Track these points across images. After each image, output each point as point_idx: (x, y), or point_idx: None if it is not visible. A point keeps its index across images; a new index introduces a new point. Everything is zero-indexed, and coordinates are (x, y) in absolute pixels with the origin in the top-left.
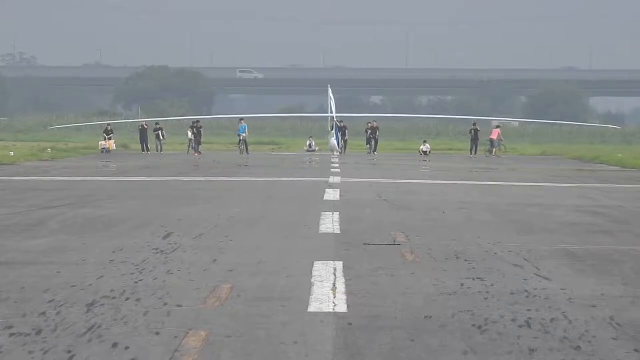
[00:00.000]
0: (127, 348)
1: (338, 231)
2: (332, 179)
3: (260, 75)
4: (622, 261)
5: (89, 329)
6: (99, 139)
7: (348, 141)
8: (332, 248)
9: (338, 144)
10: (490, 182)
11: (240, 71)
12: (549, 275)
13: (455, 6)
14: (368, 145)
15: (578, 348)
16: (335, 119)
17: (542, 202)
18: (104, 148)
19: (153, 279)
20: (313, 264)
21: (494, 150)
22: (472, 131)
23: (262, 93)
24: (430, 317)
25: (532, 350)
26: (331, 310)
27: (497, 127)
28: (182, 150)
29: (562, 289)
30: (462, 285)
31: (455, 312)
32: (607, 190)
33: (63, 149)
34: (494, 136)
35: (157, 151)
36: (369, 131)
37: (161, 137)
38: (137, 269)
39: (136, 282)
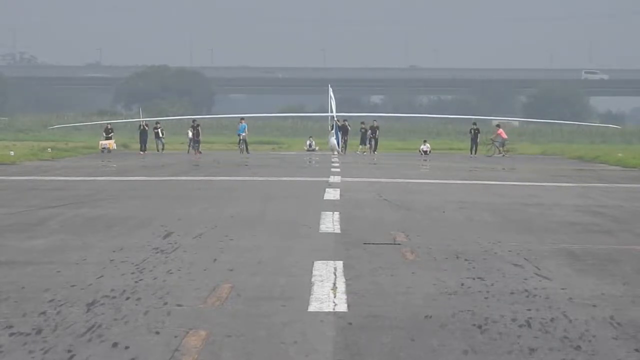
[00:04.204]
0: (127, 348)
1: (338, 230)
2: (332, 179)
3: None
4: (622, 261)
5: (89, 329)
6: (99, 138)
7: (348, 141)
8: (332, 247)
9: (338, 143)
10: (490, 182)
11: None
12: (549, 274)
13: (455, 6)
14: (361, 145)
15: (578, 347)
16: (336, 118)
17: (542, 202)
18: (104, 147)
19: (153, 279)
20: (313, 264)
21: (500, 149)
22: (472, 131)
23: (262, 93)
24: (431, 316)
25: (532, 350)
26: (331, 310)
27: (498, 125)
28: (182, 149)
29: (562, 289)
30: (462, 284)
31: (455, 312)
32: (607, 189)
33: (63, 148)
34: (504, 135)
35: (158, 151)
36: (369, 131)
37: (160, 135)
38: (137, 268)
39: (136, 282)
